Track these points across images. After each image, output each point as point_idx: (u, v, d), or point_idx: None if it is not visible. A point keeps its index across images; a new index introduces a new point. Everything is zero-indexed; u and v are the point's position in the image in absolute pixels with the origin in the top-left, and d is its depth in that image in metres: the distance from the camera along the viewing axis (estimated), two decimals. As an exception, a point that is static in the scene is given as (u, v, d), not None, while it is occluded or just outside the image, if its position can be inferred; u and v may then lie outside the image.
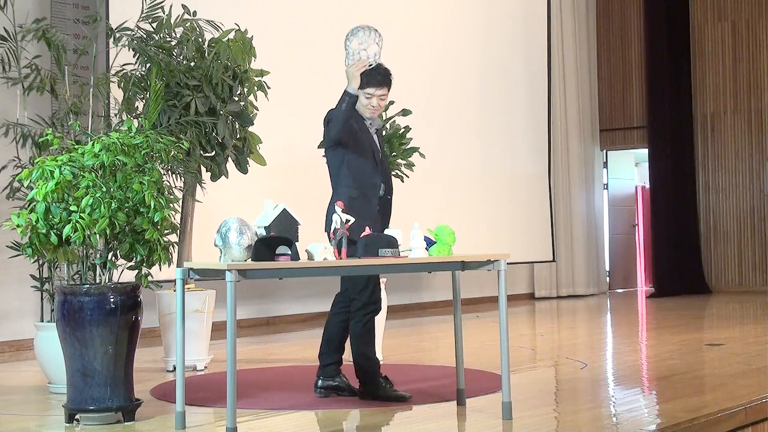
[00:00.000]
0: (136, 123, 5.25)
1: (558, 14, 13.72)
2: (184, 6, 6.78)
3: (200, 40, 6.66)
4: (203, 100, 6.42)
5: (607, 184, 15.13)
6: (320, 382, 5.37)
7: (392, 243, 4.71)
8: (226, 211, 5.92)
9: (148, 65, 6.42)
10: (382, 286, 7.04)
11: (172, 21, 6.63)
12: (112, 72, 6.55)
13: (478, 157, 12.17)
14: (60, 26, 7.46)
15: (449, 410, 4.96)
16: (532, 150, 13.08)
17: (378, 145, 5.39)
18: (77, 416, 4.64)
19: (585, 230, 14.18)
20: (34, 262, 5.46)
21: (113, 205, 4.58)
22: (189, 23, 6.64)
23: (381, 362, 6.85)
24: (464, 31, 12.10)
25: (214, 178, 6.72)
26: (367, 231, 4.75)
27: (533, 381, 6.20)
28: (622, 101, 14.84)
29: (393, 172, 7.28)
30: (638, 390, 5.73)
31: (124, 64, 6.55)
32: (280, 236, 4.45)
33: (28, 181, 4.73)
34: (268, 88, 6.90)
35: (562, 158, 13.87)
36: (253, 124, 6.74)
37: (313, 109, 8.95)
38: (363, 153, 5.27)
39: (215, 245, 4.42)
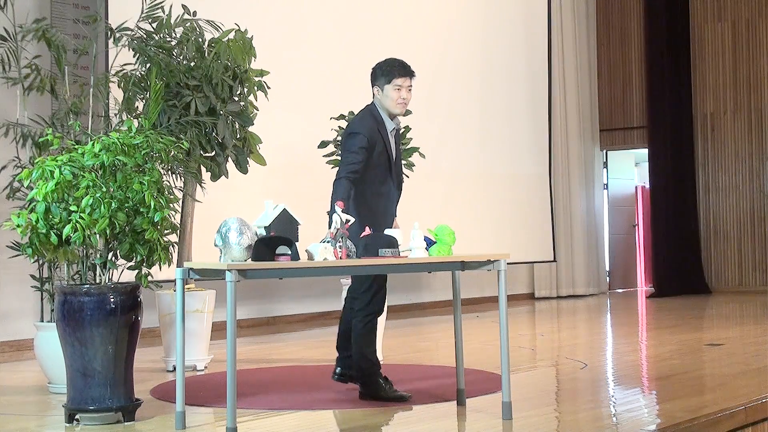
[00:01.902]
0: (136, 123, 5.25)
1: (558, 14, 13.72)
2: (184, 6, 6.78)
3: (200, 40, 6.66)
4: (203, 100, 6.42)
5: (607, 184, 15.12)
6: (339, 369, 5.39)
7: (392, 243, 4.71)
8: (226, 211, 5.92)
9: (148, 65, 6.42)
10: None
11: (172, 21, 6.63)
12: (112, 72, 6.55)
13: (478, 157, 12.17)
14: (60, 26, 7.46)
15: (449, 410, 4.96)
16: (533, 150, 13.07)
17: (394, 147, 5.30)
18: (77, 416, 4.65)
19: (585, 230, 14.18)
20: (34, 262, 5.45)
21: (113, 205, 4.58)
22: (189, 23, 6.64)
23: (381, 362, 6.86)
24: (464, 31, 12.09)
25: (214, 178, 6.72)
26: (367, 231, 4.75)
27: (533, 381, 6.20)
28: (622, 101, 14.83)
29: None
30: (638, 390, 5.73)
31: (124, 64, 6.55)
32: (280, 236, 4.45)
33: (28, 181, 4.73)
34: (268, 88, 6.90)
35: (562, 158, 13.86)
36: (253, 124, 6.74)
37: (313, 109, 8.96)
38: (378, 166, 5.18)
39: (215, 245, 4.42)
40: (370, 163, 5.13)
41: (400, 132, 5.53)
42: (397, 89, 5.18)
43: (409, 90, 5.22)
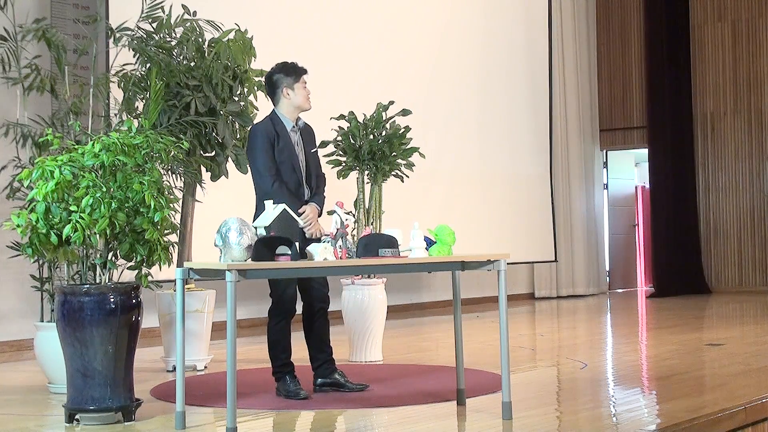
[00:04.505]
0: (136, 123, 5.25)
1: (558, 14, 13.73)
2: (184, 6, 6.77)
3: (200, 40, 6.66)
4: (203, 100, 6.42)
5: (607, 184, 15.13)
6: (319, 380, 5.46)
7: (392, 243, 4.71)
8: (226, 211, 5.91)
9: (148, 65, 6.42)
10: (381, 287, 7.05)
11: (172, 21, 6.63)
12: (112, 72, 6.55)
13: (478, 157, 12.17)
14: (60, 26, 7.45)
15: (449, 410, 4.96)
16: (533, 150, 13.07)
17: (303, 145, 5.45)
18: (77, 416, 4.64)
19: (585, 230, 14.18)
20: (34, 262, 5.45)
21: (113, 205, 4.58)
22: (189, 23, 6.64)
23: (381, 362, 6.88)
24: (465, 31, 12.09)
25: (214, 178, 6.72)
26: (368, 230, 4.75)
27: (533, 381, 6.20)
28: (622, 101, 14.83)
29: (393, 172, 7.28)
30: (638, 390, 5.73)
31: (124, 64, 6.55)
32: (280, 236, 4.45)
33: (28, 181, 4.73)
34: (268, 88, 6.89)
35: (562, 158, 13.87)
36: (253, 123, 6.74)
37: (312, 109, 8.92)
38: (283, 168, 5.35)
39: (215, 245, 4.42)
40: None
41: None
42: (305, 86, 5.48)
43: None
